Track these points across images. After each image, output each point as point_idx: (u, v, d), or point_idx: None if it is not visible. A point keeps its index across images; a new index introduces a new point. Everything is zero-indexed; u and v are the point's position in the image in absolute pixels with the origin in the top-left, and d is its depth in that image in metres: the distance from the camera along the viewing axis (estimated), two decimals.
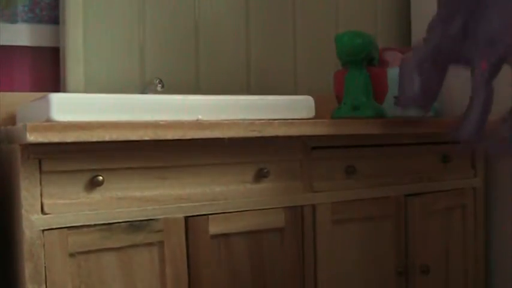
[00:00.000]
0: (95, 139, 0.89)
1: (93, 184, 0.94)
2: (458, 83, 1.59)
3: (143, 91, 1.35)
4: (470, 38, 0.43)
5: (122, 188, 0.97)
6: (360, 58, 1.31)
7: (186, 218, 1.03)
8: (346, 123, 1.15)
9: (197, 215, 1.04)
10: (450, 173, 1.42)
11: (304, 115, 1.20)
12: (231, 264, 1.08)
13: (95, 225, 0.94)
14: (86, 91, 1.35)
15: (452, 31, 0.45)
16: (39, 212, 0.90)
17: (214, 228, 1.05)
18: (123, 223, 0.97)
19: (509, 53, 0.44)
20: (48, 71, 1.38)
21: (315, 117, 1.21)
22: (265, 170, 1.10)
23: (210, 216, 1.05)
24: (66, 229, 0.92)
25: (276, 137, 1.07)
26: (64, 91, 1.34)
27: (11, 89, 1.33)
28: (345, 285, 1.22)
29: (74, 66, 1.35)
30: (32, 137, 0.84)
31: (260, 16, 1.60)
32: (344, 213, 1.21)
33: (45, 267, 0.90)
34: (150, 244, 0.99)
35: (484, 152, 1.49)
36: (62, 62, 1.36)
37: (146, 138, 0.94)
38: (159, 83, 1.30)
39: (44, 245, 0.90)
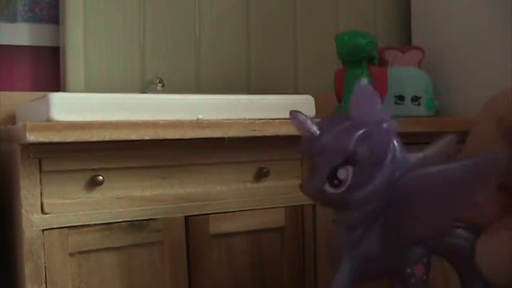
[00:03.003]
0: (95, 139, 0.89)
1: (93, 184, 0.94)
2: (459, 83, 1.59)
3: (143, 91, 1.35)
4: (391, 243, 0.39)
5: (122, 188, 0.97)
6: (360, 58, 1.31)
7: (186, 218, 1.03)
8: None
9: (197, 215, 1.04)
10: None
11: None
12: (231, 264, 1.08)
13: (95, 224, 0.94)
14: (86, 91, 1.35)
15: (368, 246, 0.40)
16: (39, 212, 0.90)
17: (214, 228, 1.05)
18: (123, 223, 0.97)
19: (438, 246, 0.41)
20: (48, 70, 1.38)
21: (315, 117, 1.21)
22: (266, 170, 1.10)
23: (210, 215, 1.05)
24: (66, 229, 0.92)
25: (277, 137, 1.07)
26: (64, 91, 1.34)
27: (11, 89, 1.33)
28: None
29: (74, 65, 1.35)
30: (32, 137, 0.84)
31: (260, 16, 1.60)
32: None
33: (45, 267, 0.90)
34: (150, 244, 0.99)
35: None
36: (62, 61, 1.36)
37: (146, 137, 0.94)
38: (159, 83, 1.30)
39: (43, 245, 0.90)
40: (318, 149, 0.40)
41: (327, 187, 0.39)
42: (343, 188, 0.39)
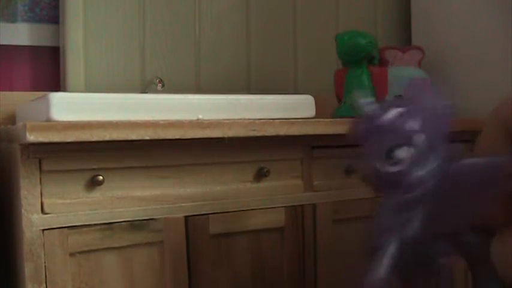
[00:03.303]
0: (95, 139, 0.89)
1: (93, 183, 0.94)
2: (458, 82, 1.59)
3: (143, 91, 1.35)
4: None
5: (122, 188, 0.97)
6: (360, 57, 1.31)
7: (186, 218, 1.03)
8: (347, 122, 1.15)
9: (197, 215, 1.04)
10: None
11: (304, 114, 1.19)
12: (231, 264, 1.08)
13: (95, 224, 0.94)
14: (86, 91, 1.35)
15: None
16: (39, 212, 0.90)
17: (214, 228, 1.05)
18: (123, 222, 0.97)
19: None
20: (48, 70, 1.38)
21: (315, 117, 1.21)
22: (266, 169, 1.10)
23: (210, 215, 1.05)
24: (66, 229, 0.92)
25: (277, 137, 1.07)
26: (64, 90, 1.34)
27: (11, 89, 1.33)
28: (345, 285, 1.22)
29: (74, 65, 1.35)
30: (32, 137, 0.84)
31: (260, 16, 1.60)
32: (344, 213, 1.21)
33: (45, 267, 0.90)
34: (150, 244, 0.99)
35: None
36: (62, 61, 1.36)
37: (146, 137, 0.94)
38: (159, 83, 1.30)
39: (44, 245, 0.90)
40: (378, 126, 0.40)
41: (386, 165, 0.39)
42: (399, 168, 0.39)
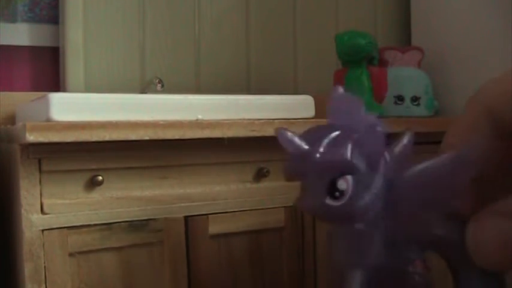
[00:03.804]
0: (94, 139, 0.89)
1: (92, 184, 0.94)
2: (458, 83, 1.59)
3: (143, 91, 1.35)
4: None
5: (122, 188, 0.97)
6: (360, 58, 1.31)
7: (186, 218, 1.03)
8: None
9: (197, 215, 1.04)
10: None
11: (304, 115, 1.19)
12: (231, 264, 1.08)
13: (95, 225, 0.94)
14: (85, 91, 1.35)
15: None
16: (39, 212, 0.90)
17: (214, 228, 1.05)
18: (123, 223, 0.97)
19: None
20: (48, 70, 1.38)
21: (315, 117, 1.21)
22: (265, 170, 1.10)
23: (209, 215, 1.05)
24: (65, 229, 0.92)
25: (276, 137, 1.07)
26: (64, 91, 1.34)
27: (11, 89, 1.33)
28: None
29: (74, 66, 1.35)
30: (31, 137, 0.84)
31: (260, 16, 1.60)
32: None
33: (44, 267, 0.90)
34: (150, 244, 0.99)
35: None
36: (62, 61, 1.36)
37: (146, 138, 0.94)
38: (159, 83, 1.30)
39: (43, 245, 0.90)
40: (311, 164, 0.39)
41: (329, 200, 0.39)
42: (345, 199, 0.38)
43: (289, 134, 0.41)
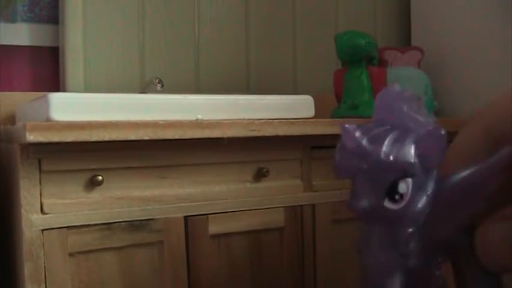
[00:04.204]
0: (94, 139, 0.89)
1: (92, 184, 0.94)
2: (458, 83, 1.59)
3: (143, 91, 1.35)
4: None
5: (122, 188, 0.97)
6: (360, 58, 1.31)
7: (186, 218, 1.03)
8: (346, 122, 1.15)
9: (197, 215, 1.04)
10: None
11: (303, 115, 1.19)
12: (231, 264, 1.08)
13: (95, 224, 0.94)
14: (85, 91, 1.35)
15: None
16: (39, 212, 0.90)
17: (213, 228, 1.05)
18: (122, 223, 0.97)
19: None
20: (47, 70, 1.38)
21: (314, 117, 1.21)
22: (265, 170, 1.10)
23: (209, 215, 1.05)
24: (65, 229, 0.92)
25: (276, 137, 1.07)
26: (64, 91, 1.34)
27: (11, 89, 1.33)
28: (345, 285, 1.22)
29: (74, 66, 1.35)
30: (31, 137, 0.84)
31: (260, 16, 1.60)
32: (344, 213, 1.21)
33: (44, 267, 0.90)
34: (149, 244, 0.99)
35: None
36: (62, 61, 1.36)
37: (146, 137, 0.94)
38: (159, 83, 1.30)
39: (43, 245, 0.90)
40: (372, 164, 0.38)
41: (387, 203, 0.38)
42: (404, 202, 0.37)
43: (352, 128, 0.40)
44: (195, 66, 1.51)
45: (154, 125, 0.95)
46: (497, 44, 1.48)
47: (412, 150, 0.36)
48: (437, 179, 0.37)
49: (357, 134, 0.39)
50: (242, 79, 1.57)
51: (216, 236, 1.06)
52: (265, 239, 1.12)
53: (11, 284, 1.04)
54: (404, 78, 1.48)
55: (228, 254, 1.08)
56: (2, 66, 1.32)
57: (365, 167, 0.39)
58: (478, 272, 0.37)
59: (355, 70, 1.32)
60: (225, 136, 1.01)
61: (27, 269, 0.88)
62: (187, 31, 1.50)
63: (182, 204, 1.03)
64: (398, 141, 0.38)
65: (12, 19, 1.33)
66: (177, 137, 0.97)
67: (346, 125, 0.40)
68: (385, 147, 0.38)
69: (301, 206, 1.16)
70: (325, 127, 1.12)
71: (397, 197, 0.37)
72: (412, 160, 0.36)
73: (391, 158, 0.37)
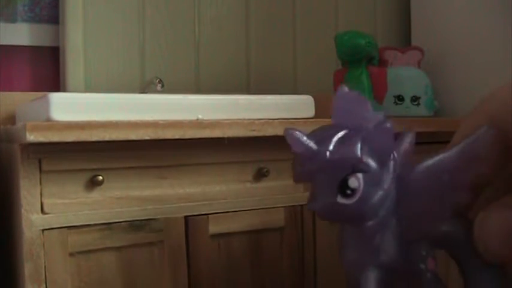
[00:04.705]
0: (94, 139, 0.89)
1: (93, 184, 0.94)
2: (458, 83, 1.59)
3: (143, 91, 1.35)
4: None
5: (122, 188, 0.97)
6: (360, 58, 1.31)
7: (186, 218, 1.03)
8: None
9: (197, 215, 1.04)
10: None
11: (304, 115, 1.20)
12: (231, 264, 1.08)
13: (95, 224, 0.94)
14: (85, 91, 1.35)
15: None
16: (39, 212, 0.90)
17: (214, 228, 1.05)
18: (123, 223, 0.97)
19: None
20: (48, 70, 1.38)
21: (314, 117, 1.21)
22: (265, 170, 1.10)
23: (209, 215, 1.05)
24: (66, 229, 0.92)
25: (276, 137, 1.07)
26: (64, 91, 1.34)
27: (11, 89, 1.33)
28: (345, 285, 1.22)
29: (74, 66, 1.35)
30: (31, 137, 0.84)
31: (260, 16, 1.60)
32: None
33: (45, 267, 0.90)
34: (150, 244, 0.99)
35: None
36: (62, 61, 1.36)
37: (146, 137, 0.94)
38: (159, 83, 1.30)
39: (43, 245, 0.90)
40: (321, 164, 0.39)
41: (340, 199, 0.38)
42: (357, 197, 0.38)
43: (298, 133, 0.41)
44: (195, 66, 1.51)
45: (154, 125, 0.95)
46: (497, 44, 1.48)
47: (359, 146, 0.37)
48: (400, 172, 0.38)
49: (304, 138, 0.40)
50: (242, 79, 1.57)
51: (216, 236, 1.06)
52: (265, 239, 1.12)
53: (11, 284, 1.04)
54: (404, 78, 1.48)
55: (228, 254, 1.08)
56: (2, 66, 1.32)
57: (316, 167, 0.39)
58: (477, 263, 0.37)
59: (355, 70, 1.32)
60: (225, 136, 1.01)
61: (27, 269, 0.88)
62: (188, 31, 1.50)
63: (182, 204, 1.03)
64: (345, 140, 0.38)
65: (12, 19, 1.33)
66: (177, 137, 0.97)
67: (291, 132, 0.40)
68: (331, 146, 0.38)
69: (301, 205, 1.16)
70: None
71: (348, 191, 0.37)
72: (359, 155, 0.37)
73: (337, 155, 0.38)
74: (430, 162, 0.36)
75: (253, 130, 1.04)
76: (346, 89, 0.41)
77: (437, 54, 1.63)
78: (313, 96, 1.24)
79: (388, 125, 0.38)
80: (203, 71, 1.52)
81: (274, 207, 1.12)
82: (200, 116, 1.07)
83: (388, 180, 0.37)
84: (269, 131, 1.06)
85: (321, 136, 0.40)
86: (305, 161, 0.40)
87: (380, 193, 0.37)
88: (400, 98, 1.46)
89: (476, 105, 0.35)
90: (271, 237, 1.12)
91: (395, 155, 0.37)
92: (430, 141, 1.38)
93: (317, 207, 0.40)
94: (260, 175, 1.10)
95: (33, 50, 1.36)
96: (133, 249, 0.98)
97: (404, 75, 1.50)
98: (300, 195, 1.16)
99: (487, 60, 1.50)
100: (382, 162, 0.37)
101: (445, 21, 1.64)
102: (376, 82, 1.33)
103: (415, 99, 1.48)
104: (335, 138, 0.38)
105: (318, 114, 1.23)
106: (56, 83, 1.37)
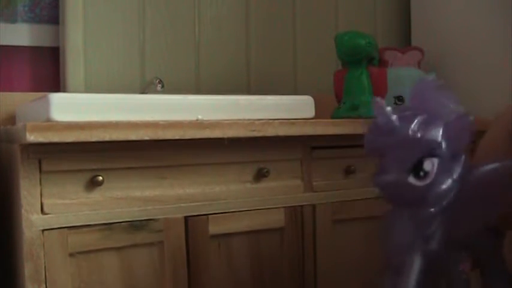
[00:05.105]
0: (94, 139, 0.89)
1: (93, 184, 0.94)
2: (458, 83, 1.59)
3: (143, 91, 1.35)
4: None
5: (122, 188, 0.97)
6: (360, 58, 1.31)
7: (186, 218, 1.03)
8: (346, 123, 1.15)
9: (197, 215, 1.04)
10: None
11: (304, 115, 1.19)
12: (231, 264, 1.08)
13: (95, 225, 0.94)
14: (85, 91, 1.35)
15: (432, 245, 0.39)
16: (39, 212, 0.90)
17: (214, 228, 1.05)
18: (123, 223, 0.97)
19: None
20: (48, 71, 1.38)
21: (314, 117, 1.21)
22: (265, 170, 1.10)
23: (209, 216, 1.05)
24: (66, 229, 0.92)
25: (276, 137, 1.07)
26: (64, 91, 1.34)
27: (11, 89, 1.33)
28: (345, 285, 1.22)
29: (74, 66, 1.35)
30: (31, 137, 0.84)
31: (260, 16, 1.60)
32: (344, 213, 1.21)
33: (45, 267, 0.90)
34: (150, 244, 0.99)
35: None
36: (62, 62, 1.36)
37: (146, 138, 0.94)
38: (159, 83, 1.30)
39: (43, 245, 0.90)
40: (401, 139, 0.39)
41: (412, 179, 0.38)
42: (428, 180, 0.38)
43: (384, 104, 0.41)
44: (195, 66, 1.51)
45: (154, 125, 0.95)
46: (497, 44, 1.48)
47: (440, 131, 0.37)
48: (465, 166, 0.37)
49: (388, 110, 0.40)
50: (242, 79, 1.57)
51: (216, 236, 1.06)
52: (266, 239, 1.12)
53: (11, 284, 1.04)
54: (404, 79, 1.48)
55: (228, 254, 1.08)
56: (2, 67, 1.32)
57: (394, 142, 0.39)
58: (504, 277, 0.37)
59: (355, 70, 1.32)
60: (225, 136, 1.01)
61: (27, 269, 0.88)
62: (188, 31, 1.50)
63: (182, 205, 1.03)
64: (427, 123, 0.38)
65: (12, 19, 1.33)
66: (177, 137, 0.97)
67: (379, 100, 0.40)
68: (413, 125, 0.38)
69: (301, 206, 1.16)
70: (326, 127, 1.12)
71: (421, 173, 0.37)
72: (439, 139, 0.37)
73: (419, 135, 0.37)
74: (490, 167, 0.36)
75: (254, 130, 1.04)
76: (431, 77, 0.41)
77: (437, 55, 1.63)
78: (314, 96, 1.24)
79: (471, 118, 0.38)
80: (203, 71, 1.52)
81: (274, 208, 1.12)
82: (200, 117, 1.07)
83: (458, 171, 0.37)
84: (269, 131, 1.06)
85: (405, 114, 0.39)
86: (384, 133, 0.40)
87: (449, 182, 0.36)
88: (400, 99, 1.46)
89: (498, 114, 0.35)
90: (271, 238, 1.12)
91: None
92: None
93: (385, 182, 0.40)
94: (260, 175, 1.10)
95: (33, 50, 1.36)
96: (134, 250, 0.98)
97: (405, 76, 1.50)
98: (300, 195, 1.16)
99: (487, 60, 1.50)
100: (456, 154, 0.37)
101: (445, 22, 1.64)
102: (376, 82, 1.33)
103: None
104: (417, 119, 0.38)
105: (318, 115, 1.23)
106: (56, 83, 1.37)
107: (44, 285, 0.90)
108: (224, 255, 1.07)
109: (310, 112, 1.21)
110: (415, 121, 0.38)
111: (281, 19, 1.64)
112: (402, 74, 1.49)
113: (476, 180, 0.37)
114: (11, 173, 0.97)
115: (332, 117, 1.34)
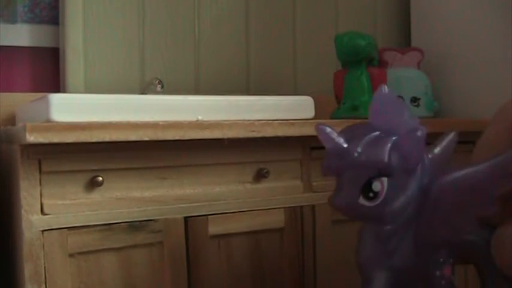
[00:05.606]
0: (94, 139, 0.89)
1: (92, 184, 0.94)
2: (458, 83, 1.59)
3: (143, 91, 1.35)
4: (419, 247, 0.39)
5: (122, 189, 0.97)
6: (360, 58, 1.31)
7: (186, 219, 1.03)
8: (346, 123, 1.15)
9: (197, 216, 1.04)
10: None
11: (303, 115, 1.20)
12: (231, 265, 1.08)
13: (95, 225, 0.94)
14: (85, 92, 1.35)
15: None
16: (39, 213, 0.90)
17: (213, 229, 1.05)
18: (122, 223, 0.97)
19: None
20: (48, 71, 1.38)
21: (314, 118, 1.21)
22: (265, 170, 1.10)
23: (209, 216, 1.05)
24: (65, 229, 0.92)
25: (276, 137, 1.07)
26: (64, 91, 1.34)
27: (11, 89, 1.33)
28: (345, 285, 1.22)
29: (74, 66, 1.35)
30: (31, 137, 0.84)
31: (260, 16, 1.60)
32: None
33: (44, 267, 0.90)
34: (149, 244, 0.99)
35: None
36: (62, 62, 1.36)
37: (146, 138, 0.94)
38: (159, 84, 1.30)
39: (43, 246, 0.90)
40: (349, 162, 0.39)
41: (362, 200, 0.39)
42: (378, 201, 0.38)
43: (329, 129, 0.41)
44: (195, 66, 1.51)
45: (154, 125, 0.95)
46: (497, 44, 1.48)
47: (387, 151, 0.37)
48: (427, 178, 0.37)
49: (334, 134, 0.40)
50: (242, 80, 1.57)
51: (216, 237, 1.06)
52: (265, 239, 1.12)
53: (11, 285, 1.04)
54: (404, 79, 1.49)
55: (228, 254, 1.08)
56: (2, 67, 1.32)
57: (343, 165, 0.40)
58: (498, 273, 0.37)
59: (355, 71, 1.32)
60: (225, 137, 1.01)
61: (27, 269, 0.88)
62: (187, 31, 1.50)
63: (182, 205, 1.03)
64: (375, 142, 0.38)
65: (12, 20, 1.33)
66: (177, 137, 0.97)
67: (322, 127, 0.40)
68: (360, 147, 0.38)
69: (301, 206, 1.16)
70: None
71: (371, 194, 0.37)
72: (386, 160, 0.37)
73: (364, 157, 0.38)
74: (458, 174, 0.36)
75: (253, 131, 1.04)
76: (386, 89, 0.41)
77: (437, 55, 1.63)
78: (313, 97, 1.24)
79: (419, 133, 0.37)
80: (203, 71, 1.52)
81: (274, 208, 1.12)
82: (200, 117, 1.07)
83: (413, 187, 0.37)
84: (269, 132, 1.06)
85: (352, 135, 0.39)
86: (333, 157, 0.40)
87: (402, 200, 0.36)
88: None
89: (497, 112, 0.35)
90: (271, 238, 1.12)
91: (426, 161, 0.37)
92: (429, 142, 1.38)
93: (338, 204, 0.40)
94: (260, 176, 1.10)
95: (33, 51, 1.36)
96: (133, 250, 0.98)
97: (404, 76, 1.50)
98: (300, 196, 1.16)
99: (487, 60, 1.50)
100: (410, 169, 0.37)
101: (445, 22, 1.64)
102: (376, 83, 1.33)
103: (414, 100, 1.48)
104: (365, 140, 0.38)
105: (318, 115, 1.23)
106: (56, 84, 1.37)
107: (44, 286, 0.90)
108: (224, 255, 1.07)
109: (310, 112, 1.21)
110: (363, 142, 0.38)
111: (281, 19, 1.64)
112: (402, 75, 1.49)
113: (446, 188, 0.37)
114: (11, 174, 0.97)
115: (332, 118, 1.34)
